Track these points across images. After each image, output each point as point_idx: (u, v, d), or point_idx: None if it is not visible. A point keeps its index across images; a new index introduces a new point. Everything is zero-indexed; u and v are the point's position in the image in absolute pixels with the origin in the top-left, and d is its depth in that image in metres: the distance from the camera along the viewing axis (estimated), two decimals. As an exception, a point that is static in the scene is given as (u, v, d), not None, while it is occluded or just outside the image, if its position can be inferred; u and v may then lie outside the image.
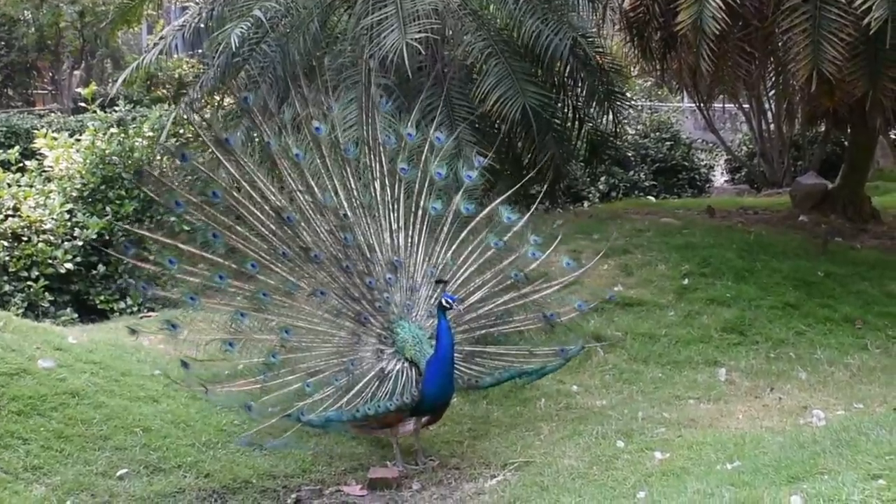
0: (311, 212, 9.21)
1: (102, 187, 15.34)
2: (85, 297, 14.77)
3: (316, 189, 9.27)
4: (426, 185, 9.53)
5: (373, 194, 9.38)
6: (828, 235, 15.63)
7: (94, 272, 14.76)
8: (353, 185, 9.35)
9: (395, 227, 9.35)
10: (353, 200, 9.30)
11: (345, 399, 8.70)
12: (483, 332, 9.51)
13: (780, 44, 13.81)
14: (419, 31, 12.89)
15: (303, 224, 9.18)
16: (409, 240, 9.38)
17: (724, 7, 12.50)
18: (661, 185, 24.23)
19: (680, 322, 12.36)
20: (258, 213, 9.22)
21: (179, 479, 8.56)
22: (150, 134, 16.78)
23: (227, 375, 9.17)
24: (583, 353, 10.47)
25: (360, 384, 8.79)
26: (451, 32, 15.29)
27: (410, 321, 9.05)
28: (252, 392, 8.89)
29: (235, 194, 9.28)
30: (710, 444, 8.57)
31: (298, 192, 9.24)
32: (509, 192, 9.95)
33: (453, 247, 9.47)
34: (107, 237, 14.85)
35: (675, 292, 13.07)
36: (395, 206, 9.42)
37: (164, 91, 24.51)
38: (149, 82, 24.53)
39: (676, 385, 10.94)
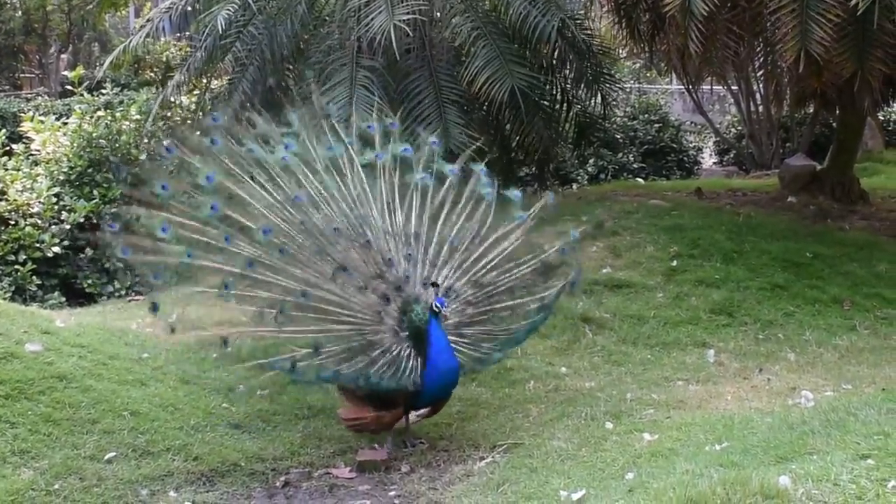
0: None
1: (90, 170, 15.32)
2: (72, 280, 14.77)
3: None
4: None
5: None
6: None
7: (82, 256, 14.75)
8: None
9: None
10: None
11: (352, 361, 8.58)
12: (492, 307, 9.31)
13: (768, 24, 13.79)
14: (407, 13, 12.86)
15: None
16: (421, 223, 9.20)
17: (712, -12, 12.49)
18: (650, 168, 24.22)
19: (668, 303, 12.36)
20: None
21: (168, 462, 8.53)
22: (138, 117, 16.76)
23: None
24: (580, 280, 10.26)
25: (375, 354, 8.63)
26: (438, 14, 15.26)
27: (422, 304, 8.78)
28: (264, 337, 8.77)
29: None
30: (699, 425, 8.57)
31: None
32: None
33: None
34: (94, 220, 14.81)
35: (664, 274, 13.07)
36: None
37: (152, 74, 24.40)
38: (136, 65, 24.40)
39: (665, 366, 10.95)
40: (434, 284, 8.74)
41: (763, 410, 9.09)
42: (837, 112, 18.67)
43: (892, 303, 12.87)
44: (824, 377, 10.45)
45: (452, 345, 8.71)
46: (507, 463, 8.42)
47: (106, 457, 8.45)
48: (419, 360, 8.66)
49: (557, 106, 16.55)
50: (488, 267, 9.18)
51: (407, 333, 8.72)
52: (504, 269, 9.24)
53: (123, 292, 14.59)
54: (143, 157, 15.62)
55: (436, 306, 8.48)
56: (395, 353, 8.66)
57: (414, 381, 8.63)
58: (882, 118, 24.90)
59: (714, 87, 24.82)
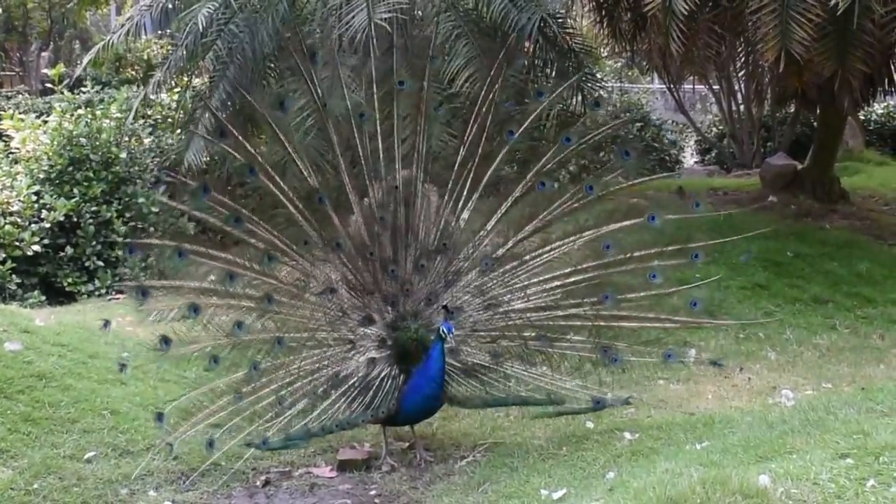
0: (349, 188, 8.62)
1: (70, 169, 15.25)
2: (52, 279, 14.72)
3: (369, 156, 8.63)
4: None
5: (452, 163, 8.76)
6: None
7: (62, 254, 14.69)
8: (423, 149, 8.70)
9: (453, 200, 8.70)
10: (414, 168, 8.67)
11: (314, 413, 8.34)
12: (513, 343, 8.75)
13: (749, 24, 13.82)
14: (387, 11, 12.84)
15: (336, 205, 8.61)
16: (465, 216, 8.76)
17: (693, -13, 12.52)
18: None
19: (650, 304, 12.33)
20: (290, 194, 8.50)
21: (148, 461, 8.50)
22: (118, 115, 16.70)
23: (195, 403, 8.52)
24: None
25: (338, 394, 8.43)
26: (420, 13, 15.24)
27: (422, 319, 8.58)
28: (219, 422, 8.35)
29: (270, 172, 8.47)
30: (680, 425, 8.58)
31: (344, 162, 8.60)
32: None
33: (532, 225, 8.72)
34: (74, 219, 14.76)
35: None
36: (473, 176, 8.70)
37: (133, 72, 24.32)
38: (117, 63, 24.31)
39: (646, 366, 10.94)
40: (445, 308, 8.41)
41: (743, 409, 9.13)
42: (818, 111, 18.75)
43: (872, 302, 12.94)
44: (805, 376, 10.49)
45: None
46: (487, 462, 8.41)
47: (86, 456, 8.43)
48: (400, 378, 8.53)
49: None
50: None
51: (390, 352, 8.59)
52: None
53: (103, 291, 14.55)
54: (123, 155, 15.57)
55: (442, 332, 8.17)
56: (369, 377, 8.50)
57: (389, 406, 8.49)
58: (862, 117, 24.97)
59: (696, 87, 24.87)
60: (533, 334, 8.67)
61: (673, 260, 8.83)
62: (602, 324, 8.64)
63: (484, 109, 8.73)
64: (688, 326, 9.31)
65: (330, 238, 8.66)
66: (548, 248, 8.69)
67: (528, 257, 8.66)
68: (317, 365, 8.53)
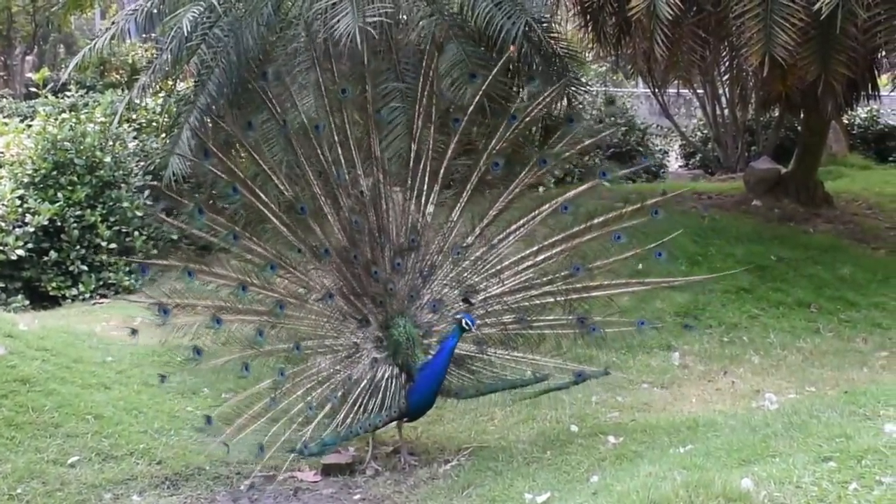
0: (323, 198, 8.77)
1: (54, 173, 15.22)
2: (36, 283, 14.67)
3: (332, 166, 8.78)
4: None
5: (407, 161, 8.90)
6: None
7: (46, 258, 14.65)
8: (378, 152, 8.84)
9: (423, 198, 8.84)
10: (374, 171, 8.80)
11: (339, 417, 8.43)
12: (495, 330, 8.93)
13: (733, 29, 13.83)
14: (373, 16, 12.83)
15: (314, 215, 8.78)
16: (430, 210, 8.88)
17: (677, -8, 12.53)
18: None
19: (634, 307, 12.35)
20: (273, 208, 8.74)
21: (132, 466, 8.52)
22: (103, 119, 16.69)
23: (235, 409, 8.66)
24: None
25: (353, 397, 8.52)
26: (405, 17, 15.23)
27: (407, 318, 8.69)
28: (261, 428, 8.44)
29: (252, 187, 8.73)
30: (664, 428, 8.60)
31: (312, 174, 8.79)
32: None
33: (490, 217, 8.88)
34: (59, 223, 14.73)
35: (629, 276, 13.08)
36: (432, 170, 8.85)
37: (118, 76, 24.27)
38: (102, 67, 24.26)
39: (630, 369, 10.99)
40: (466, 301, 8.56)
41: (727, 413, 9.14)
42: (802, 115, 18.77)
43: (855, 305, 12.98)
44: (788, 379, 10.52)
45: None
46: (472, 466, 8.43)
47: (69, 461, 8.43)
48: (402, 377, 8.62)
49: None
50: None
51: (387, 352, 8.67)
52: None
53: (88, 295, 14.52)
54: (107, 159, 15.54)
55: (466, 324, 8.24)
56: (375, 379, 8.61)
57: (399, 404, 8.60)
58: (846, 121, 25.01)
59: (680, 91, 24.89)
60: (512, 318, 8.83)
61: (633, 220, 8.97)
62: (575, 297, 8.80)
63: (425, 102, 8.89)
64: (658, 286, 9.46)
65: (316, 246, 8.80)
66: (513, 227, 8.84)
67: (495, 241, 8.82)
68: (331, 370, 8.67)
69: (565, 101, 16.48)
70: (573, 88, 16.78)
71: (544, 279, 8.79)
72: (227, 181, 8.80)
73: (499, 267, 8.79)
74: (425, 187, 8.83)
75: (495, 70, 9.42)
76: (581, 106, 19.57)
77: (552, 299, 8.80)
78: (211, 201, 9.04)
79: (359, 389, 8.56)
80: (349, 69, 9.18)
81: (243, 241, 8.73)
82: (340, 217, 8.77)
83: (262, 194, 8.72)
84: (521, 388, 9.07)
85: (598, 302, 8.91)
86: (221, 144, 9.14)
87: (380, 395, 8.57)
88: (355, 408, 8.50)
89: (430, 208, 8.84)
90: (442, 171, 8.88)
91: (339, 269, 8.79)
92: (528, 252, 8.80)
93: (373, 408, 8.54)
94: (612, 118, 25.28)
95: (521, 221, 8.84)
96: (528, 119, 9.20)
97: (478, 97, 9.07)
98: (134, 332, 9.15)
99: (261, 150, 8.98)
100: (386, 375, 8.63)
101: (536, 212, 8.86)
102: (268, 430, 8.37)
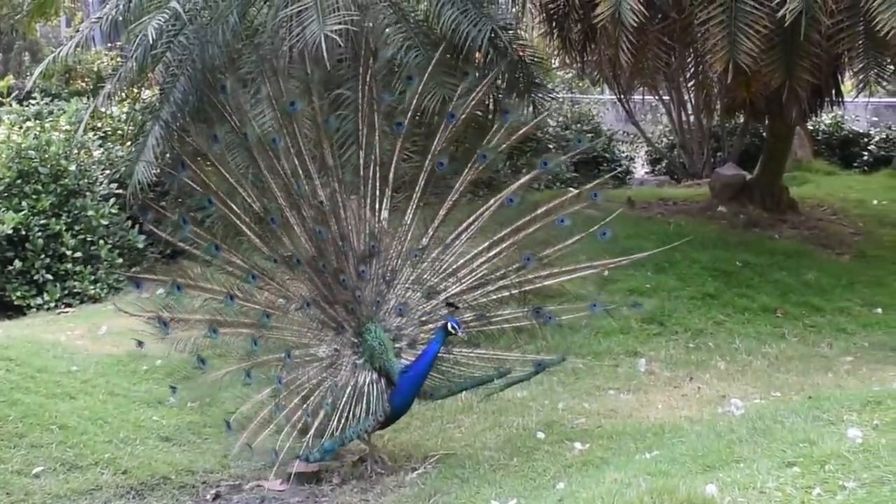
0: (287, 209, 8.82)
1: (18, 181, 15.14)
2: (1, 293, 14.56)
3: (291, 178, 8.82)
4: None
5: (358, 169, 8.95)
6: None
7: (11, 268, 14.55)
8: (332, 162, 8.87)
9: (377, 204, 8.93)
10: (329, 181, 8.85)
11: (333, 423, 8.42)
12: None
13: (698, 35, 13.89)
14: (338, 23, 12.82)
15: (283, 226, 8.84)
16: (384, 215, 8.95)
17: (642, -1, 12.58)
18: (583, 177, 24.29)
19: (600, 313, 12.40)
20: (245, 219, 8.85)
21: (96, 475, 8.48)
22: (67, 127, 16.62)
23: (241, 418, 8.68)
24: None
25: (342, 404, 8.52)
26: (371, 24, 15.22)
27: (377, 323, 8.72)
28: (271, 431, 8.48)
29: (224, 199, 8.83)
30: (630, 434, 8.63)
31: (276, 186, 8.83)
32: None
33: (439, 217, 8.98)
34: (23, 232, 14.64)
35: (596, 283, 13.08)
36: (381, 176, 8.94)
37: (83, 84, 24.15)
38: (67, 75, 24.14)
39: (597, 376, 11.02)
40: (451, 305, 8.68)
41: (693, 419, 9.17)
42: (767, 122, 18.86)
43: (820, 311, 13.05)
44: (753, 385, 10.56)
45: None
46: (438, 473, 8.43)
47: (34, 471, 8.38)
48: (382, 382, 8.62)
49: (490, 116, 16.53)
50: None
51: (364, 358, 8.68)
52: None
53: (52, 304, 14.44)
54: (72, 167, 15.47)
55: (452, 327, 8.32)
56: (359, 385, 8.61)
57: (384, 408, 8.60)
58: (811, 128, 25.14)
59: (646, 97, 24.96)
60: (472, 316, 8.94)
61: (575, 206, 9.19)
62: (529, 288, 8.95)
63: (366, 108, 9.00)
64: (607, 267, 9.58)
65: (288, 256, 8.86)
66: (463, 225, 8.97)
67: (448, 240, 8.93)
68: (319, 377, 8.67)
69: (531, 108, 16.52)
70: (539, 95, 16.82)
71: (498, 274, 8.92)
72: (202, 193, 8.86)
73: (455, 266, 8.91)
74: (378, 193, 8.94)
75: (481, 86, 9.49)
76: (547, 112, 19.64)
77: (507, 293, 8.94)
78: (191, 213, 9.02)
79: (345, 396, 8.56)
80: (298, 81, 9.20)
81: (223, 252, 8.79)
82: (306, 228, 8.80)
83: (234, 206, 8.80)
84: (488, 383, 9.14)
85: (550, 291, 9.13)
86: (191, 155, 9.14)
87: (364, 401, 8.57)
88: (345, 414, 8.50)
89: (385, 213, 8.93)
90: (391, 175, 8.98)
91: (310, 278, 8.83)
92: (480, 248, 8.92)
93: (360, 413, 8.53)
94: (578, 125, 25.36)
95: (471, 219, 8.98)
96: (464, 116, 9.26)
97: (415, 100, 9.22)
98: (140, 343, 9.17)
99: (226, 162, 9.01)
100: (367, 381, 8.63)
101: (483, 208, 9.02)
102: (276, 436, 8.41)
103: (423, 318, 8.89)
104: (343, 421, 8.47)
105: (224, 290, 8.73)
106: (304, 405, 8.50)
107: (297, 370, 8.68)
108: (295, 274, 8.88)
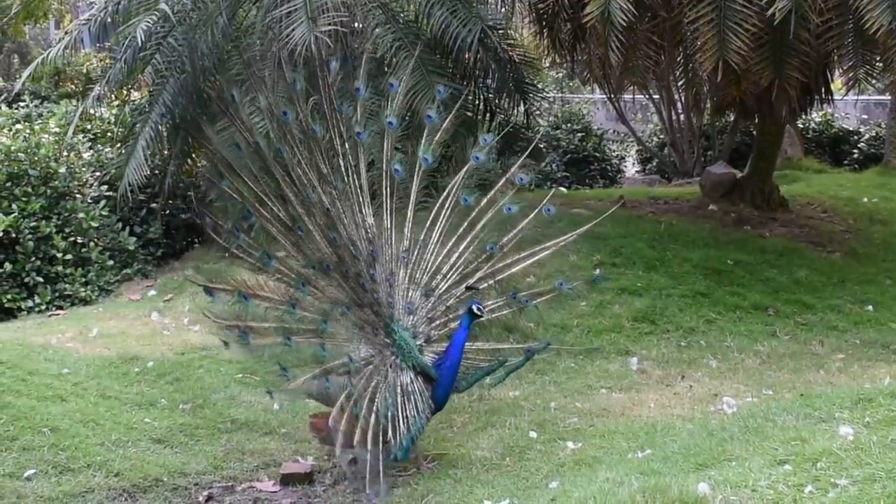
0: (305, 217, 8.88)
1: (8, 184, 15.08)
2: (-10, 296, 14.54)
3: (300, 186, 8.89)
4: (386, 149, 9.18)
5: (342, 176, 8.97)
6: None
7: (1, 271, 14.51)
8: (325, 170, 8.91)
9: (363, 210, 8.98)
10: (328, 188, 8.89)
11: (399, 421, 8.38)
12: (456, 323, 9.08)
13: (687, 34, 13.90)
14: (328, 24, 12.83)
15: (307, 234, 8.92)
16: (376, 221, 9.01)
17: (631, -2, 12.58)
18: (573, 176, 24.34)
19: (592, 312, 12.43)
20: (278, 227, 9.01)
21: (89, 478, 8.44)
22: (57, 130, 16.59)
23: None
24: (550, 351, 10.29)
25: (399, 400, 8.48)
26: (360, 25, 15.22)
27: (396, 322, 8.73)
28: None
29: (261, 210, 8.99)
30: (622, 433, 8.64)
31: (291, 195, 8.89)
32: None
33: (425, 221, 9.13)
34: (13, 235, 14.60)
35: (587, 282, 13.13)
36: (359, 184, 9.03)
37: (73, 86, 24.12)
38: (56, 77, 24.13)
39: (589, 375, 11.00)
40: (470, 288, 8.77)
41: (685, 417, 9.18)
42: (756, 120, 18.85)
43: (811, 308, 13.05)
44: (745, 383, 10.56)
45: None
46: (431, 473, 8.43)
47: (25, 474, 8.33)
48: (420, 379, 8.61)
49: (480, 116, 16.54)
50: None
51: (400, 357, 8.66)
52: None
53: (43, 307, 14.39)
54: (62, 170, 15.43)
55: (477, 310, 8.44)
56: (406, 383, 8.58)
57: (429, 405, 8.61)
58: (801, 126, 25.18)
59: (636, 97, 24.99)
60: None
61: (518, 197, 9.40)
62: (500, 277, 9.10)
63: (329, 117, 9.06)
64: (560, 246, 9.44)
65: (319, 262, 8.95)
66: (428, 224, 9.11)
67: (422, 240, 9.07)
68: (374, 380, 8.56)
69: (522, 108, 16.58)
70: (529, 94, 16.85)
71: (472, 266, 9.05)
72: (242, 203, 9.04)
73: (436, 264, 9.02)
74: (360, 199, 9.00)
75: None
76: (538, 112, 19.68)
77: (485, 284, 9.02)
78: (239, 222, 9.19)
79: (399, 393, 8.53)
80: (284, 89, 9.23)
81: (274, 262, 8.99)
82: (324, 235, 8.86)
83: (266, 214, 8.96)
84: (492, 373, 9.21)
85: (517, 277, 9.35)
86: (226, 164, 9.19)
87: (412, 399, 8.56)
88: (407, 410, 8.48)
89: (370, 220, 8.97)
90: (364, 182, 9.06)
91: (339, 284, 8.88)
92: (451, 245, 9.05)
93: (413, 409, 8.52)
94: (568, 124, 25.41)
95: (439, 219, 9.10)
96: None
97: (360, 107, 9.26)
98: (226, 344, 9.32)
99: (248, 170, 9.07)
100: (410, 377, 8.62)
101: (439, 207, 9.13)
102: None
103: (429, 315, 8.95)
104: (407, 417, 8.44)
105: (285, 299, 8.87)
106: (373, 406, 8.39)
107: (358, 374, 8.61)
108: (329, 280, 8.93)
